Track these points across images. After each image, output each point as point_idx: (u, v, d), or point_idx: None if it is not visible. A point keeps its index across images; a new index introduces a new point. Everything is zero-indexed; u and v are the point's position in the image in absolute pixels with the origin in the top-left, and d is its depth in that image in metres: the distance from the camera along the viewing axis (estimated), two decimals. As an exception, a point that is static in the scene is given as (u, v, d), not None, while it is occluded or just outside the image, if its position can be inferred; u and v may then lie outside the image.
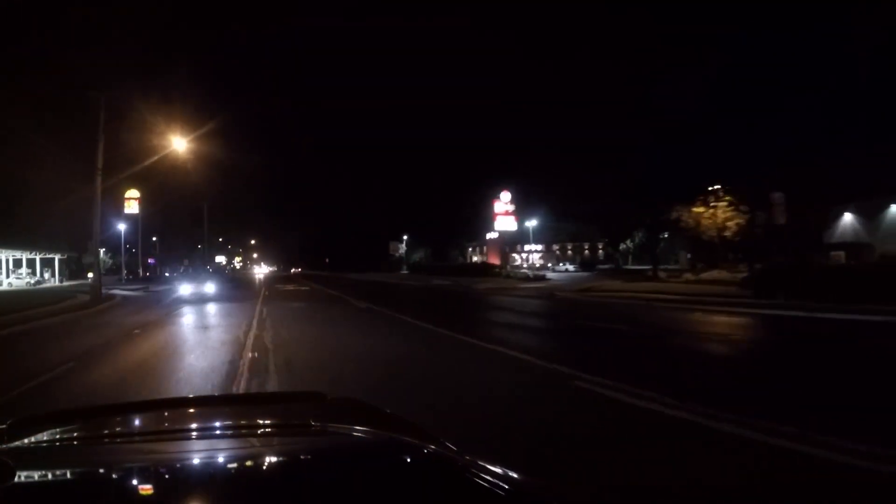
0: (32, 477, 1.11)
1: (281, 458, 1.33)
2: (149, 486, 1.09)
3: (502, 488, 1.11)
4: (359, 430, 1.45)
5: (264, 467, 1.26)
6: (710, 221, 35.04)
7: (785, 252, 33.06)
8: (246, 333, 10.44)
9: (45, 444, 1.40)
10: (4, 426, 1.41)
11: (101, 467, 1.23)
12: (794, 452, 3.56)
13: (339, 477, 1.16)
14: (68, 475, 1.18)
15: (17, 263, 54.91)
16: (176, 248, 68.78)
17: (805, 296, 14.31)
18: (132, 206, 50.38)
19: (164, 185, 48.04)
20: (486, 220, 53.84)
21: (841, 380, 6.08)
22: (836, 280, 14.80)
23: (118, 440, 1.52)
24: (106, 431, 1.57)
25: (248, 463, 1.30)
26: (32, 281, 53.56)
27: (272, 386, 6.00)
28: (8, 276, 51.14)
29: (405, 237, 77.95)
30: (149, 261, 62.24)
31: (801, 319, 12.25)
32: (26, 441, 1.37)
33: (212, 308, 17.49)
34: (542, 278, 37.69)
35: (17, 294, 32.82)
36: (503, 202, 42.06)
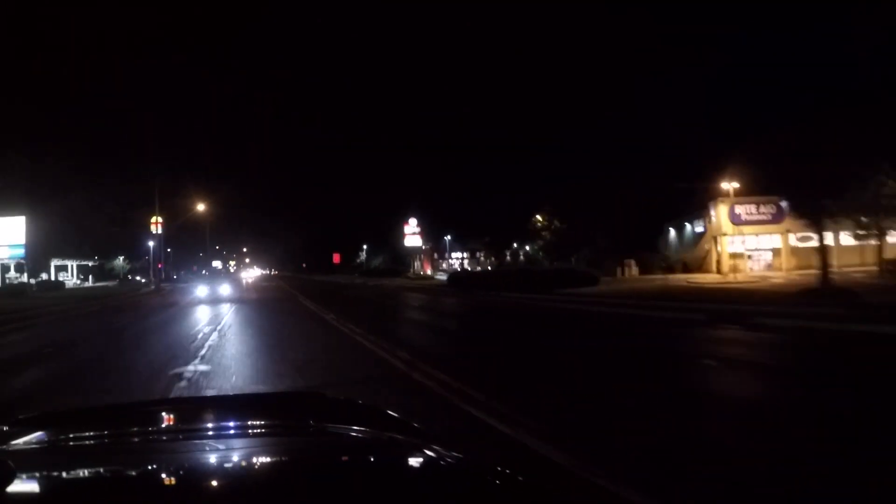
0: (33, 478, 1.13)
1: (280, 459, 1.35)
2: (149, 487, 1.10)
3: (504, 487, 1.15)
4: (357, 430, 1.47)
5: (264, 467, 1.27)
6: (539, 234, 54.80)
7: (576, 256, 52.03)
8: (238, 292, 30.56)
9: (45, 445, 1.41)
10: (5, 427, 1.46)
11: (101, 468, 1.24)
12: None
13: (339, 477, 1.17)
14: (69, 476, 1.19)
15: (62, 268, 74.60)
16: (182, 256, 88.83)
17: (468, 287, 33.87)
18: (156, 228, 69.85)
19: (177, 210, 67.14)
20: (431, 232, 74.13)
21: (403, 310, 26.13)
22: (484, 278, 34.80)
23: (117, 441, 1.52)
24: (105, 432, 1.59)
25: (248, 463, 1.30)
26: (77, 281, 73.07)
27: (248, 296, 25.77)
28: (55, 278, 70.57)
29: (365, 246, 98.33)
30: (159, 266, 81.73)
31: (440, 294, 32.32)
32: (27, 442, 1.39)
33: (221, 290, 37.39)
34: (430, 278, 57.40)
35: (100, 288, 52.49)
36: (411, 226, 61.81)
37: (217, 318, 16.71)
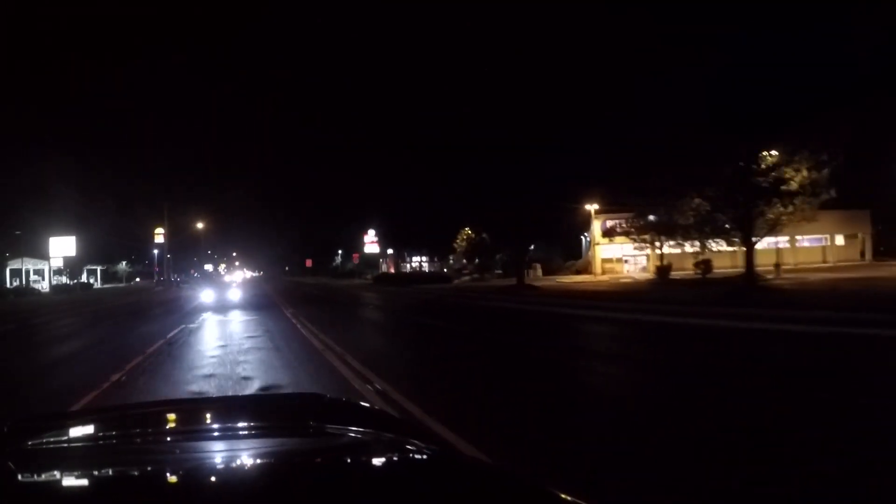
0: (33, 479, 1.15)
1: (280, 459, 1.36)
2: (149, 487, 1.12)
3: (503, 487, 1.17)
4: (356, 431, 1.48)
5: (264, 468, 1.29)
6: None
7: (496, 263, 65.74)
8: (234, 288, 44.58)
9: (45, 446, 1.43)
10: (5, 428, 1.48)
11: (101, 469, 1.26)
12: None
13: (338, 477, 1.19)
14: (69, 477, 1.20)
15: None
16: (178, 261, 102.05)
17: (388, 283, 48.01)
18: (159, 237, 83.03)
19: (177, 222, 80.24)
20: (399, 238, 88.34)
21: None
22: (392, 277, 48.91)
23: (117, 442, 1.53)
24: (105, 433, 1.62)
25: (248, 463, 1.32)
26: (90, 281, 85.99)
27: (240, 290, 39.54)
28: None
29: (340, 251, 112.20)
30: (155, 269, 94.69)
31: (367, 289, 46.43)
32: (27, 443, 1.40)
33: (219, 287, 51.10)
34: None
35: (121, 288, 65.70)
36: (370, 236, 75.36)
37: (222, 294, 30.70)
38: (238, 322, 16.12)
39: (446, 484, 1.16)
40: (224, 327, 14.72)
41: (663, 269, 38.09)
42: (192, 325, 15.40)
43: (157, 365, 9.20)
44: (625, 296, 22.21)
